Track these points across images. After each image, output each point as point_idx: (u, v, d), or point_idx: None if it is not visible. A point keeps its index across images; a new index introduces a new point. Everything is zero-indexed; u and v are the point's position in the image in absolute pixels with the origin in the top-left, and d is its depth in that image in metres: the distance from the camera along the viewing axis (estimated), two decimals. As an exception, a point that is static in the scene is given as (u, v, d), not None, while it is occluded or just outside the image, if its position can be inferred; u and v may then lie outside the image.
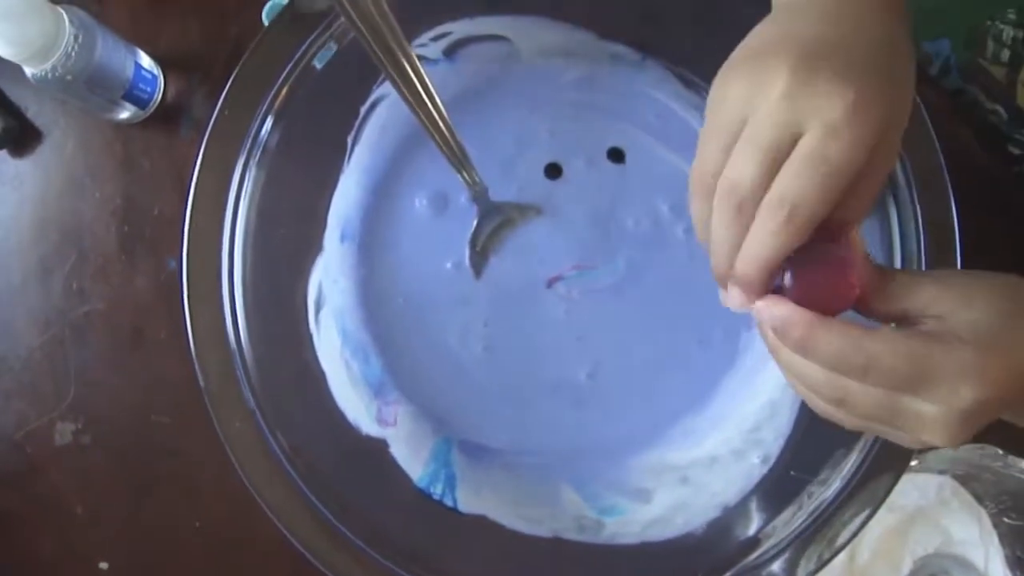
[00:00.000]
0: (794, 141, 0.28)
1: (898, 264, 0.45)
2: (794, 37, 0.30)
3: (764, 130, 0.29)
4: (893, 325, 0.31)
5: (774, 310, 0.30)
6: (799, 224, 0.28)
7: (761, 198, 0.29)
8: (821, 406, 0.32)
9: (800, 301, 0.29)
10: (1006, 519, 0.51)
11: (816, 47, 0.29)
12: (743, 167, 0.29)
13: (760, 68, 0.29)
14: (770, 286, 0.30)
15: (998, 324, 0.29)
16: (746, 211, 0.29)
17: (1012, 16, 0.49)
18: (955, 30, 0.53)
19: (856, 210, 0.30)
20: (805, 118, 0.28)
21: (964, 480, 0.51)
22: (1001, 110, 0.53)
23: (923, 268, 0.45)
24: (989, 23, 0.51)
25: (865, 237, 0.31)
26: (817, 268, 0.30)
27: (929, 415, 0.28)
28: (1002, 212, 0.53)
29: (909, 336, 0.29)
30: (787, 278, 0.30)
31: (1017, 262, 0.52)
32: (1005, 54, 0.51)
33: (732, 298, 0.31)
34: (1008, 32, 0.50)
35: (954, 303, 0.29)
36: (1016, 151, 0.54)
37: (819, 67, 0.28)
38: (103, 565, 0.54)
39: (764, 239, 0.29)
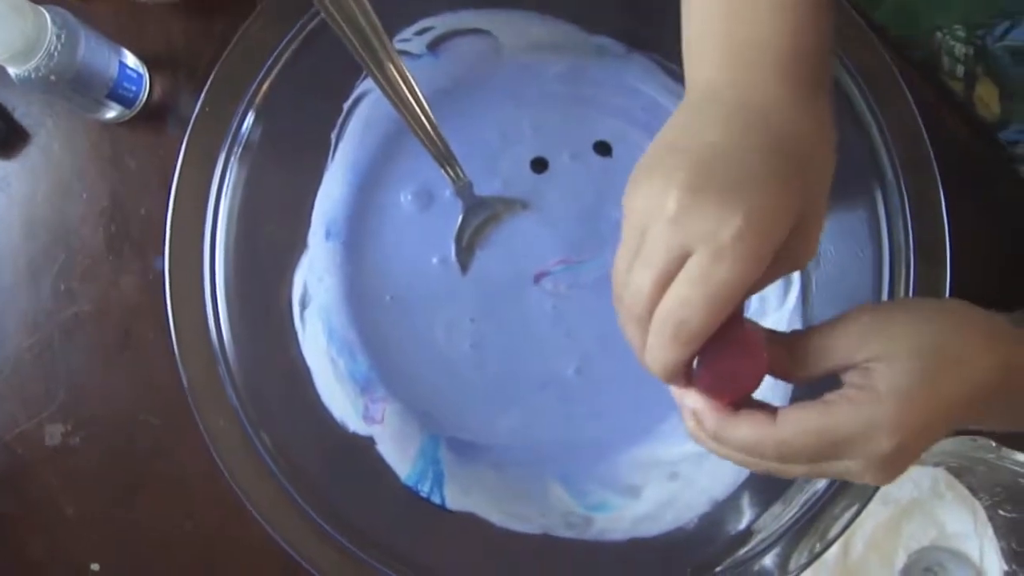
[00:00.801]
0: (684, 260, 0.29)
1: (886, 257, 0.45)
2: (687, 150, 0.30)
3: (655, 252, 0.29)
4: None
5: (688, 403, 0.32)
6: (686, 339, 0.29)
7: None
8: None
9: (709, 387, 0.31)
10: (1001, 511, 0.50)
11: (706, 161, 0.30)
12: (639, 284, 0.30)
13: (655, 186, 0.30)
14: (687, 376, 0.31)
15: (921, 364, 0.29)
16: (644, 325, 0.30)
17: (961, 33, 0.49)
18: (919, 33, 0.53)
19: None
20: (692, 241, 0.28)
21: (958, 473, 0.51)
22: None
23: (912, 260, 0.44)
24: (940, 36, 0.50)
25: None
26: (721, 356, 0.30)
27: (857, 468, 0.30)
28: (989, 202, 0.53)
29: (813, 413, 0.30)
30: (695, 365, 0.31)
31: (1005, 252, 0.53)
32: (960, 69, 0.50)
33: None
34: (960, 48, 0.50)
35: (878, 346, 0.30)
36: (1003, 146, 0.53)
37: (706, 188, 0.29)
38: (94, 566, 0.54)
39: (656, 352, 0.30)
